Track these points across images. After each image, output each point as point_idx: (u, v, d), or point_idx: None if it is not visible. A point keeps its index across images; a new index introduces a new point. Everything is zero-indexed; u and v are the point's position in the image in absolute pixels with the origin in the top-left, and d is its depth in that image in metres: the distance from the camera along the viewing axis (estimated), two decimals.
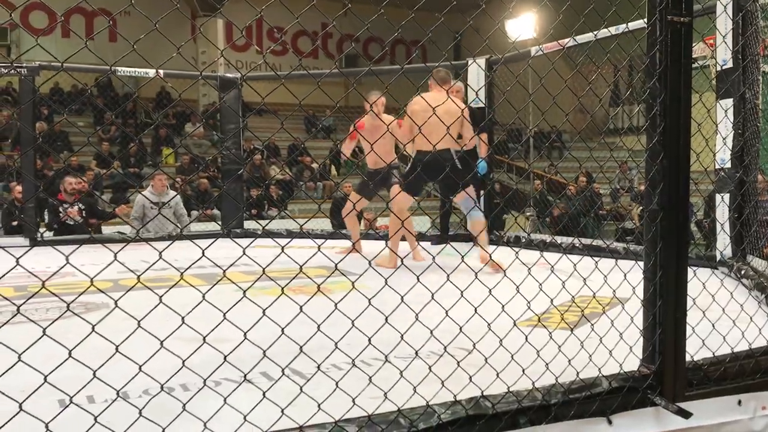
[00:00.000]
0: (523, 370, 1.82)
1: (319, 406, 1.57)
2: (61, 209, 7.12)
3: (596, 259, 2.19)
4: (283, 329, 1.55)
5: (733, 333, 2.22)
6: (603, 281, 2.02)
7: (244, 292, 1.51)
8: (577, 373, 1.86)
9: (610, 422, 1.83)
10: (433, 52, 15.44)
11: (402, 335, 1.71)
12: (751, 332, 2.26)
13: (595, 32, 2.38)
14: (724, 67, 4.10)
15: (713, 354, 2.08)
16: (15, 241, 6.19)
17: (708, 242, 6.48)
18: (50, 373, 1.31)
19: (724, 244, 4.20)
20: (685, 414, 1.86)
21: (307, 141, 14.95)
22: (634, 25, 2.92)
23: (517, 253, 2.09)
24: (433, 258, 1.97)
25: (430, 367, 1.75)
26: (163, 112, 14.07)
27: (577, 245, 5.06)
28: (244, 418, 1.52)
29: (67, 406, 1.40)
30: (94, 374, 1.34)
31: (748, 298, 3.30)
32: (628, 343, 1.99)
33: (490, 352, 1.85)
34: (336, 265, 1.60)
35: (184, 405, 1.51)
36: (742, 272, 3.73)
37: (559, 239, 6.40)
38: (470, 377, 1.75)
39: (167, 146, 13.83)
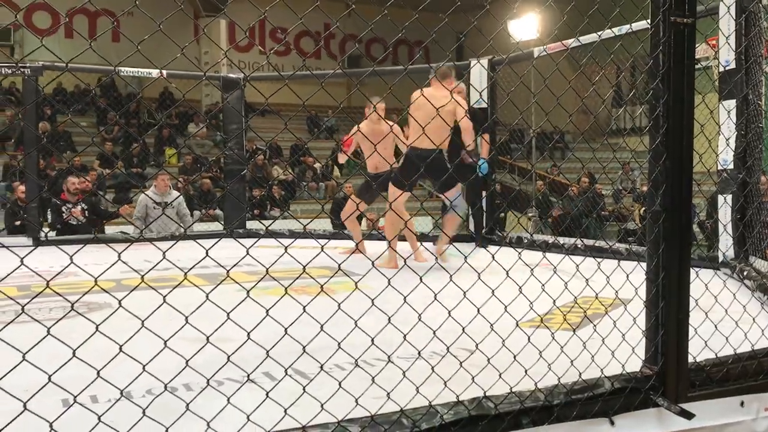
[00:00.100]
0: (526, 371, 1.82)
1: (322, 406, 1.57)
2: (64, 209, 7.13)
3: (599, 259, 2.19)
4: (286, 329, 1.55)
5: (736, 334, 2.22)
6: (605, 282, 2.02)
7: (248, 292, 1.52)
8: (580, 373, 1.86)
9: (612, 423, 1.83)
10: (436, 52, 15.42)
11: (405, 335, 1.72)
12: (754, 333, 2.26)
13: (599, 33, 2.38)
14: (727, 68, 4.09)
15: (716, 355, 2.07)
16: (18, 241, 6.21)
17: (710, 243, 6.48)
18: (54, 373, 1.32)
19: (726, 246, 4.20)
20: (688, 415, 1.86)
21: (309, 142, 14.95)
22: (637, 26, 2.92)
23: (519, 253, 2.10)
24: (436, 258, 1.98)
25: (432, 368, 1.75)
26: (168, 113, 14.09)
27: (580, 246, 5.07)
28: (248, 418, 1.52)
29: (71, 405, 1.40)
30: (98, 374, 1.34)
31: (751, 300, 3.29)
32: (630, 344, 1.99)
33: (493, 352, 1.85)
34: (339, 265, 1.61)
35: (188, 405, 1.51)
36: (745, 273, 3.73)
37: (561, 240, 6.39)
38: (473, 378, 1.75)
39: (170, 146, 13.84)
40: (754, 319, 2.39)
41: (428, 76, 5.25)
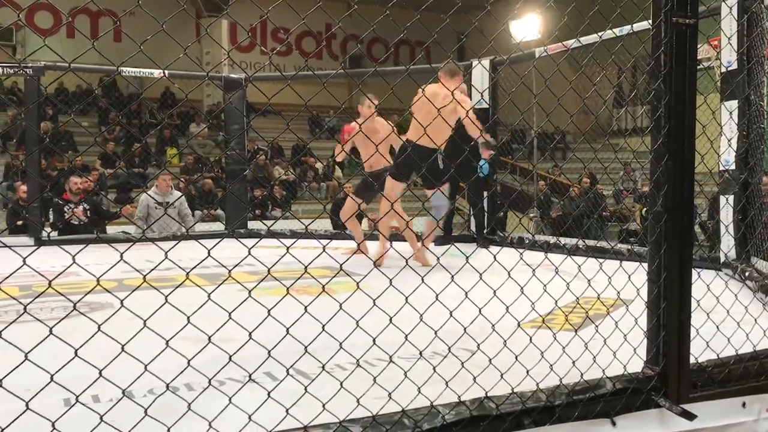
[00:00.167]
0: (528, 371, 1.82)
1: (323, 406, 1.57)
2: (66, 209, 7.14)
3: (600, 260, 2.19)
4: (287, 329, 1.55)
5: (738, 335, 2.22)
6: (607, 283, 2.02)
7: (249, 292, 1.52)
8: (581, 374, 1.86)
9: (614, 423, 1.83)
10: (438, 53, 15.43)
11: (406, 336, 1.72)
12: (756, 334, 2.26)
13: (600, 33, 2.38)
14: (729, 69, 4.09)
15: (717, 356, 2.07)
16: (20, 241, 6.22)
17: (712, 244, 6.47)
18: (56, 372, 1.32)
19: (728, 246, 4.19)
20: (689, 416, 1.86)
21: (311, 142, 14.96)
22: (639, 26, 2.92)
23: (521, 254, 2.10)
24: (438, 259, 1.98)
25: (434, 368, 1.75)
26: (170, 113, 14.11)
27: (581, 246, 5.06)
28: (249, 417, 1.52)
29: (73, 405, 1.40)
30: (99, 373, 1.34)
31: (753, 300, 3.28)
32: (632, 345, 1.99)
33: (495, 352, 1.85)
34: (341, 265, 1.61)
35: (189, 404, 1.51)
36: (747, 274, 3.72)
37: (562, 240, 6.39)
38: (474, 378, 1.75)
39: (172, 146, 13.86)
40: (755, 320, 2.39)
41: (429, 77, 5.27)
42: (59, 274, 1.38)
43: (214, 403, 1.66)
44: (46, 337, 1.30)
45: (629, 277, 2.02)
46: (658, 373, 1.88)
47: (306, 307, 1.59)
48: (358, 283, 1.66)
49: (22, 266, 1.31)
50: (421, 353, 1.81)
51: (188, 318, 1.45)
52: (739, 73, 3.96)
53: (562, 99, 1.94)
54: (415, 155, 4.50)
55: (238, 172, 7.62)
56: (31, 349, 1.27)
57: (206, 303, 1.48)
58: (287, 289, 1.57)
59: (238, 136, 7.54)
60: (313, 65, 17.95)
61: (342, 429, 1.53)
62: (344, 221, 5.65)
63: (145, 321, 1.37)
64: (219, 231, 7.68)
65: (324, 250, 1.67)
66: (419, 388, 1.68)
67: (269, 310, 1.52)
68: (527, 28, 12.33)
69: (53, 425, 1.34)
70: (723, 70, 4.17)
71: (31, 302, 1.38)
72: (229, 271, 1.49)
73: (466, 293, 1.74)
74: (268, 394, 1.58)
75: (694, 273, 1.94)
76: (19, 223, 7.40)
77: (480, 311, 1.79)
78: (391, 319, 1.67)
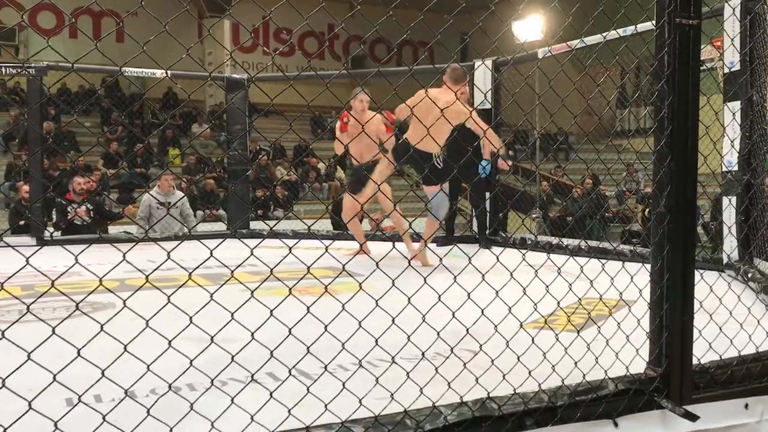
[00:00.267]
0: (530, 372, 1.82)
1: (325, 406, 1.57)
2: (69, 209, 7.15)
3: (603, 261, 2.19)
4: (290, 329, 1.55)
5: (740, 336, 2.21)
6: (610, 283, 2.01)
7: (252, 292, 1.52)
8: (584, 375, 1.86)
9: (616, 425, 1.83)
10: (441, 53, 15.42)
11: (409, 336, 1.72)
12: (759, 335, 2.26)
13: (604, 34, 2.38)
14: (732, 70, 4.09)
15: (720, 357, 2.07)
16: (22, 241, 6.22)
17: (715, 245, 6.46)
18: (59, 372, 1.32)
19: (731, 247, 4.19)
20: (692, 417, 1.86)
21: (313, 142, 14.96)
22: (642, 27, 2.91)
23: (524, 254, 2.09)
24: (440, 259, 1.98)
25: (436, 368, 1.75)
26: (172, 113, 14.12)
27: (584, 247, 5.06)
28: (251, 418, 1.52)
29: (76, 405, 1.40)
30: (102, 373, 1.34)
31: (756, 302, 3.28)
32: (634, 346, 1.99)
33: (497, 353, 1.85)
34: (344, 266, 1.61)
35: (192, 404, 1.51)
36: (749, 275, 3.72)
37: (564, 241, 6.39)
38: (476, 378, 1.75)
39: (174, 147, 13.87)
40: (758, 321, 2.39)
41: (432, 78, 5.28)
42: (62, 274, 1.38)
43: (216, 403, 1.66)
44: (49, 337, 1.31)
45: (632, 278, 2.01)
46: (660, 374, 1.88)
47: (308, 308, 1.59)
48: (360, 284, 1.66)
49: (24, 266, 1.31)
50: (423, 354, 1.81)
51: (191, 318, 1.45)
52: (742, 74, 3.96)
53: (565, 100, 1.94)
54: (408, 151, 4.53)
55: (241, 173, 7.63)
56: (34, 349, 1.27)
57: (208, 303, 1.48)
58: (290, 289, 1.57)
59: (241, 136, 7.54)
60: (316, 66, 17.93)
61: (344, 429, 1.53)
62: (346, 222, 5.65)
63: (147, 321, 1.37)
64: (221, 231, 7.68)
65: (326, 251, 1.67)
66: (421, 388, 1.67)
67: (272, 311, 1.52)
68: (531, 28, 12.30)
69: (56, 425, 1.34)
70: (726, 71, 4.17)
71: (33, 302, 1.39)
72: (232, 271, 1.49)
73: (469, 294, 1.74)
74: (271, 394, 1.58)
75: (697, 274, 1.94)
76: (22, 223, 7.42)
77: (482, 312, 1.78)
78: (393, 320, 1.67)
